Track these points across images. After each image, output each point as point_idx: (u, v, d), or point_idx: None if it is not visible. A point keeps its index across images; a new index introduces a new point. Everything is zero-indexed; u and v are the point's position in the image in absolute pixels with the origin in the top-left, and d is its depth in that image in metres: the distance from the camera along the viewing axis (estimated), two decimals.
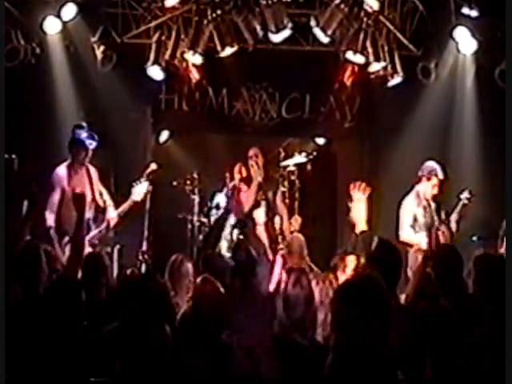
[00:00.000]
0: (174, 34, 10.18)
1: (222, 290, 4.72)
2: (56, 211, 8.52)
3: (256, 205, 9.39)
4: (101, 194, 8.93)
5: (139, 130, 10.59)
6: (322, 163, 11.15)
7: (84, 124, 8.86)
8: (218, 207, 9.88)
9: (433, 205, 9.17)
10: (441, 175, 9.13)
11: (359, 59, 10.27)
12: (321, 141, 11.34)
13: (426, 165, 9.20)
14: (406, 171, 9.66)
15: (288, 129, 11.04)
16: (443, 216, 8.96)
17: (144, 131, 10.80)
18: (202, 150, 11.04)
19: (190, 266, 6.67)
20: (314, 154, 10.57)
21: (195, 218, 9.85)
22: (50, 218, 8.51)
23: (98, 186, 8.95)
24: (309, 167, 10.59)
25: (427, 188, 9.14)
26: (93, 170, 8.95)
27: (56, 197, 8.58)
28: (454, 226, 8.97)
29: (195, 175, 9.73)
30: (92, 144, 8.75)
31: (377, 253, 5.33)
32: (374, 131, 11.27)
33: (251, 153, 9.57)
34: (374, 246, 4.99)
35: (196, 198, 9.96)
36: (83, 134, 8.74)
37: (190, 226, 9.89)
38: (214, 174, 10.47)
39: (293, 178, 10.14)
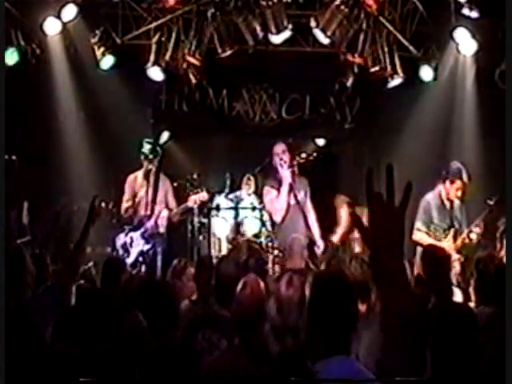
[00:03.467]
0: (174, 35, 10.18)
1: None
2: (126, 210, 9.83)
3: (289, 211, 8.76)
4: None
5: (139, 130, 10.59)
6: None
7: (150, 140, 9.81)
8: (218, 208, 9.86)
9: (457, 206, 8.98)
10: (466, 178, 8.86)
11: (359, 60, 10.27)
12: (321, 142, 11.34)
13: (452, 166, 8.95)
14: (406, 172, 9.61)
15: (288, 130, 11.03)
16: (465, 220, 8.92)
17: (144, 132, 10.80)
18: (202, 151, 11.04)
19: (193, 270, 6.66)
20: (314, 154, 10.54)
21: (195, 219, 9.84)
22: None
23: (166, 191, 9.81)
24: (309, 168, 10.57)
25: (451, 190, 8.90)
26: (161, 178, 9.79)
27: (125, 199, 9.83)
28: (477, 229, 8.82)
29: (195, 176, 9.71)
30: (156, 156, 9.73)
31: None
32: (374, 132, 11.29)
33: (278, 149, 8.96)
34: None
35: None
36: (147, 148, 9.72)
37: (190, 226, 9.88)
38: (214, 174, 10.46)
39: None
